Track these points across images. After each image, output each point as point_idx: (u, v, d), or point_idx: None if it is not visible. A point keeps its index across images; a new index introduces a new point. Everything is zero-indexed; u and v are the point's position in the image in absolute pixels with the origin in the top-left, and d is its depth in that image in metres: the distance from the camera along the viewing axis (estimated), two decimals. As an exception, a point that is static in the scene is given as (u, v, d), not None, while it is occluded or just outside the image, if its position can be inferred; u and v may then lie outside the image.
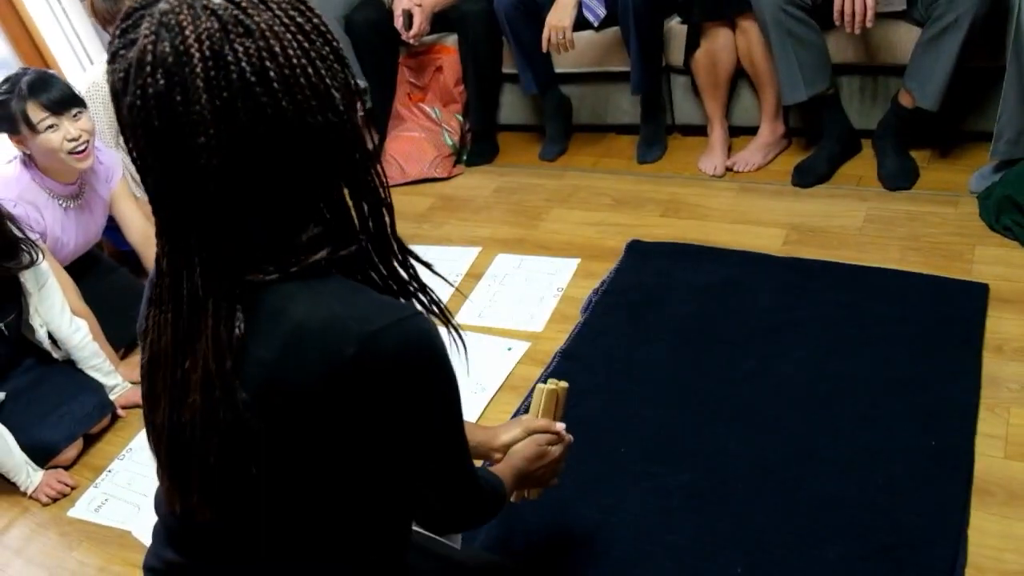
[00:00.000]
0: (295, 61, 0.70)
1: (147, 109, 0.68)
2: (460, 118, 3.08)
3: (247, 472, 0.76)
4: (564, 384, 1.27)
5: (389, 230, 0.82)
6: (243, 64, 0.67)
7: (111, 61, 0.71)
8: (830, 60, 2.36)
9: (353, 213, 0.79)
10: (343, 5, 3.04)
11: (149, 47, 0.67)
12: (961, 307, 1.83)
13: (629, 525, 1.51)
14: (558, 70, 2.87)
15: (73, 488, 1.94)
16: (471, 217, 2.71)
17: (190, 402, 0.75)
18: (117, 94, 0.70)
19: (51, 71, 2.21)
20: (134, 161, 0.73)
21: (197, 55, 0.67)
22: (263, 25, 0.69)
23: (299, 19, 0.71)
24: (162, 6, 0.69)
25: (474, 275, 2.39)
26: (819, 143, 2.49)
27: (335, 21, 3.02)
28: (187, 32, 0.67)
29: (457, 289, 2.18)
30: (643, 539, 1.48)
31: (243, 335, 0.73)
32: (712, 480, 1.56)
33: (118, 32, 0.71)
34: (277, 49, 0.69)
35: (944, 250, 2.04)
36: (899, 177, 2.32)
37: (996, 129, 2.12)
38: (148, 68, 0.67)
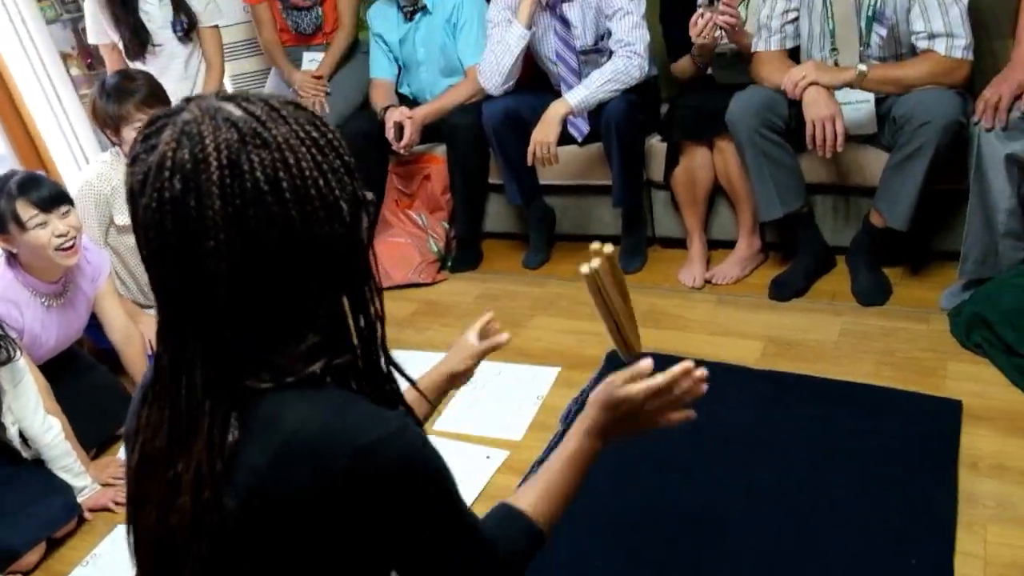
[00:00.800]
0: (307, 173, 0.73)
1: (162, 212, 0.71)
2: (446, 225, 3.15)
3: None
4: (608, 248, 1.09)
5: (380, 343, 0.84)
6: (257, 173, 0.71)
7: (131, 164, 0.74)
8: (804, 180, 2.46)
9: (351, 323, 0.81)
10: (338, 115, 3.15)
11: (169, 153, 0.71)
12: (936, 423, 1.85)
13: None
14: (543, 182, 2.96)
15: (32, 595, 1.87)
16: (454, 323, 2.74)
17: (180, 503, 0.74)
18: (134, 195, 0.73)
19: (39, 172, 2.26)
20: (144, 260, 0.75)
21: (215, 163, 0.70)
22: (279, 138, 0.72)
23: (314, 133, 0.75)
24: (185, 116, 0.73)
25: (455, 381, 2.38)
26: (795, 258, 2.56)
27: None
28: (207, 141, 0.70)
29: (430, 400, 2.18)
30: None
31: (236, 440, 0.74)
32: (690, 596, 1.54)
33: (141, 138, 0.74)
34: (291, 161, 0.72)
35: (917, 365, 2.07)
36: (872, 293, 2.38)
37: (963, 250, 2.19)
38: (167, 173, 0.70)
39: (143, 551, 0.81)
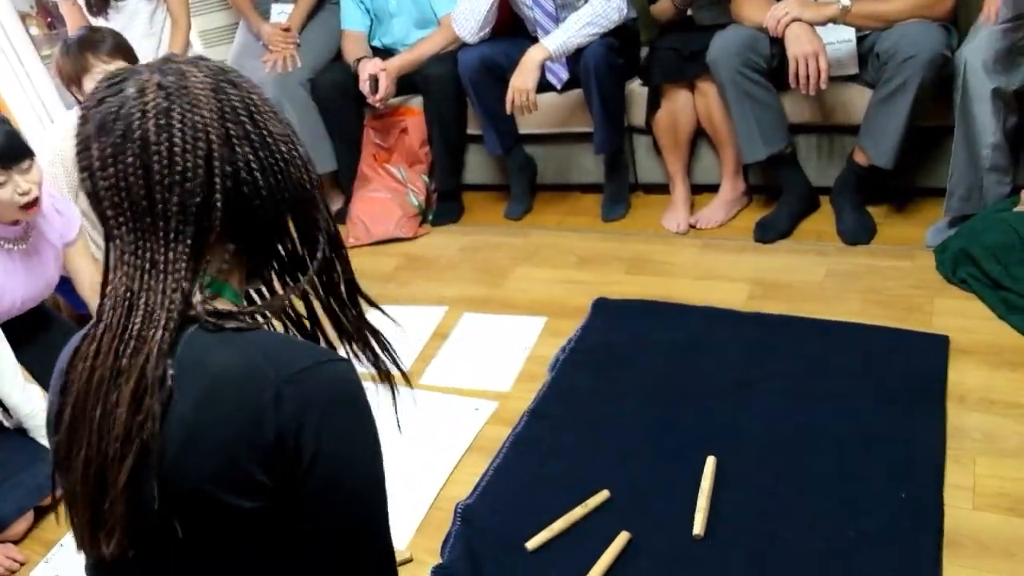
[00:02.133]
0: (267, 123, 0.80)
1: (127, 145, 0.75)
2: (425, 178, 3.10)
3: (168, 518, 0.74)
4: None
5: (339, 270, 0.87)
6: (226, 109, 0.77)
7: (95, 106, 0.76)
8: (787, 120, 2.43)
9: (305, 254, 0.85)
10: (310, 69, 3.07)
11: (136, 95, 0.75)
12: (923, 359, 1.85)
13: (601, 588, 1.48)
14: (522, 131, 2.91)
15: (23, 564, 1.86)
16: (437, 276, 2.71)
17: (115, 435, 0.72)
18: (96, 135, 0.75)
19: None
20: (99, 190, 0.76)
21: (191, 103, 0.76)
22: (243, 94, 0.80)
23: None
24: (145, 75, 0.76)
25: (440, 335, 2.37)
26: (779, 200, 2.54)
27: (302, 88, 3.04)
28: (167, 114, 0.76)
29: (402, 370, 2.17)
30: (615, 602, 1.45)
31: (173, 382, 0.72)
32: (682, 537, 1.54)
33: (102, 86, 0.76)
34: (259, 101, 0.80)
35: (904, 303, 2.07)
36: (857, 232, 2.37)
37: (948, 187, 2.18)
38: (137, 109, 0.75)
39: (81, 484, 0.76)
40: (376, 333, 0.92)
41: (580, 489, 1.69)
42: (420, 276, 2.74)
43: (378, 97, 2.87)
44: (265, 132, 0.79)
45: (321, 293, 0.87)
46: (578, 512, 1.64)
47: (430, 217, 3.09)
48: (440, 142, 2.99)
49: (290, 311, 0.89)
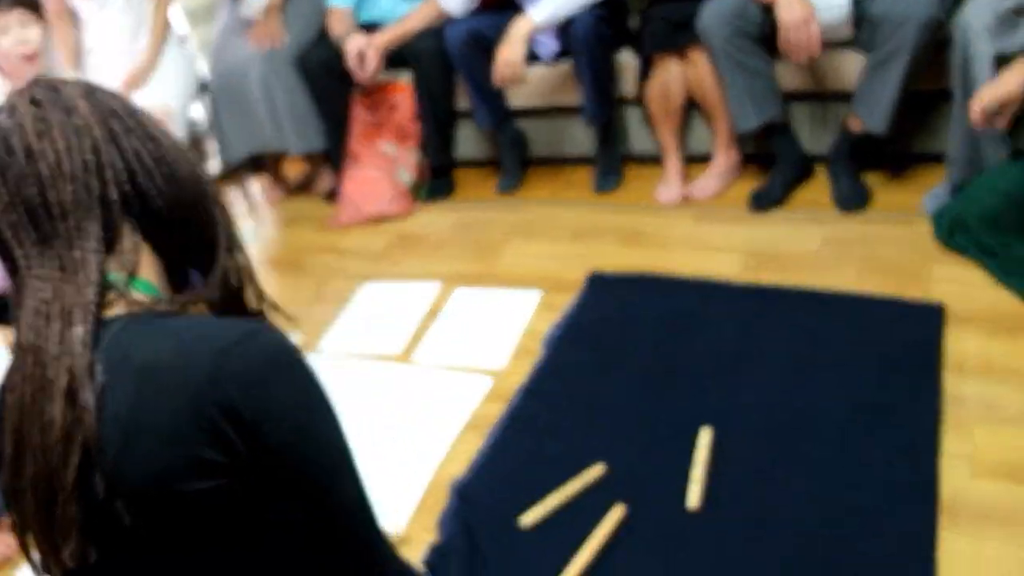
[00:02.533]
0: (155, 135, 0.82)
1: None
2: (416, 155, 3.06)
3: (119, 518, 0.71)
4: None
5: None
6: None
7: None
8: (779, 88, 2.39)
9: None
10: (296, 46, 3.02)
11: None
12: (920, 327, 1.84)
13: (595, 564, 1.47)
14: (513, 105, 2.87)
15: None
16: (429, 254, 2.69)
17: (55, 439, 0.70)
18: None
19: None
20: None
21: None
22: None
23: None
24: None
25: (434, 312, 2.35)
26: (773, 169, 2.51)
27: (290, 65, 3.00)
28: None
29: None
30: (613, 578, 1.44)
31: (103, 379, 0.70)
32: (677, 511, 1.53)
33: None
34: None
35: (900, 270, 2.05)
36: (853, 200, 2.34)
37: (947, 153, 2.15)
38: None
39: (31, 499, 0.73)
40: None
41: (576, 464, 1.68)
42: (412, 253, 2.71)
43: (366, 73, 2.83)
44: (148, 128, 0.81)
45: (226, 291, 0.86)
46: (574, 487, 1.63)
47: (421, 194, 3.05)
48: (430, 117, 2.95)
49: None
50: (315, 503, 0.77)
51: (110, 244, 0.77)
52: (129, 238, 0.79)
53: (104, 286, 0.75)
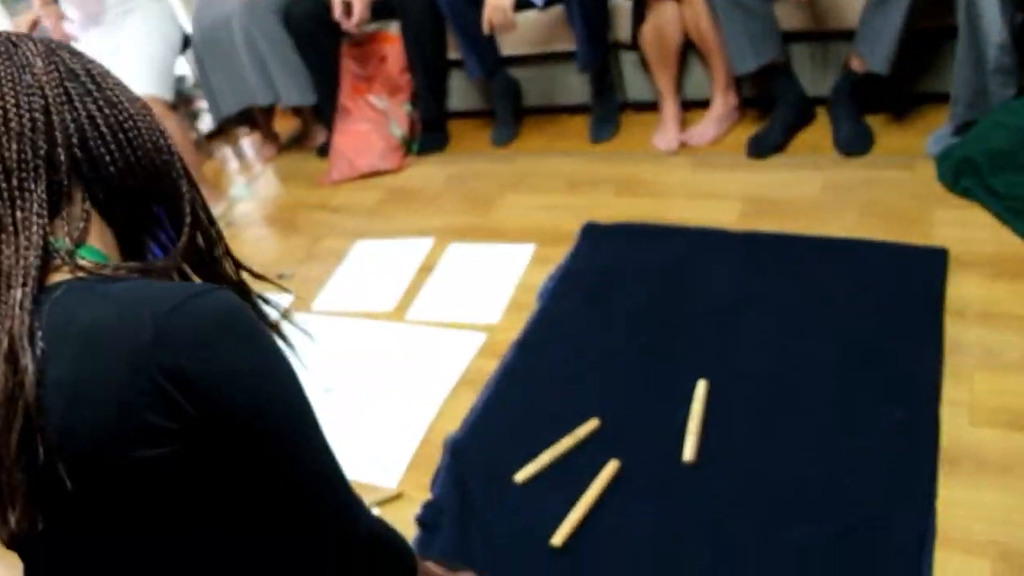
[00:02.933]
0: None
1: None
2: (408, 108, 3.00)
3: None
4: None
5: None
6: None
7: None
8: (778, 28, 2.32)
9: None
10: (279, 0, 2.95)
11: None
12: (921, 273, 1.79)
13: (590, 519, 1.45)
14: (504, 53, 2.80)
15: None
16: (422, 208, 2.64)
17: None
18: None
19: None
20: None
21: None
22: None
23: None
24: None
25: (427, 267, 2.32)
26: (773, 113, 2.44)
27: (273, 16, 2.92)
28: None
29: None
30: (605, 532, 1.42)
31: (44, 344, 0.67)
32: (672, 464, 1.51)
33: None
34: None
35: (902, 215, 2.00)
36: (854, 143, 2.28)
37: (952, 93, 2.08)
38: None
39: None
40: (249, 294, 0.87)
41: (570, 419, 1.66)
42: (405, 208, 2.67)
43: (353, 22, 2.75)
44: (110, 93, 0.78)
45: (199, 264, 0.84)
46: (568, 442, 1.61)
47: (414, 148, 3.00)
48: (420, 69, 2.89)
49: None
50: (276, 471, 0.74)
51: (56, 208, 0.74)
52: (79, 205, 0.76)
53: (47, 251, 0.72)
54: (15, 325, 0.67)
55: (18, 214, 0.71)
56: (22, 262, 0.70)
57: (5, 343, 0.67)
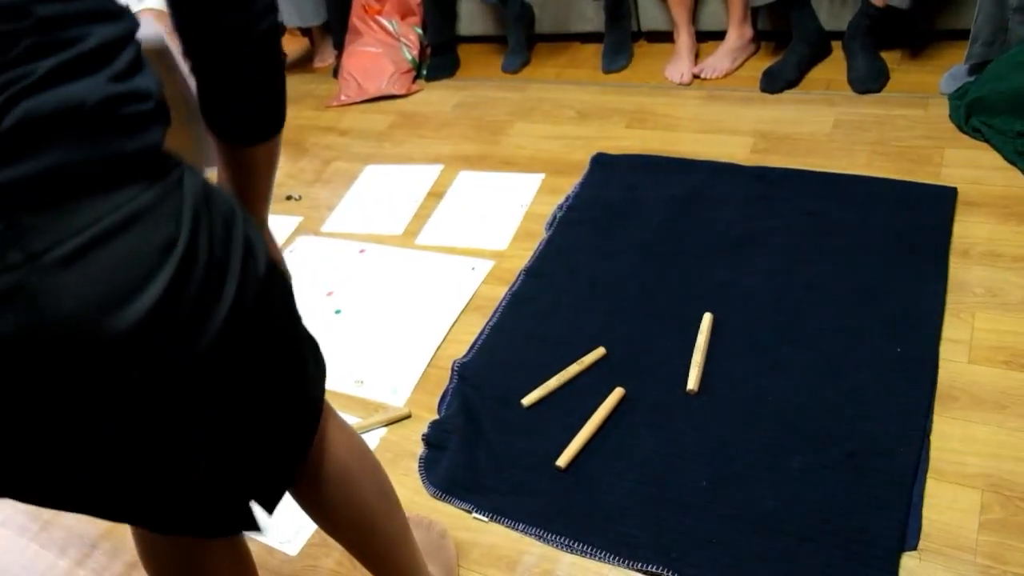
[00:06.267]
0: None
1: None
2: (419, 31, 2.96)
3: None
4: None
5: None
6: None
7: None
8: (799, -42, 2.27)
9: None
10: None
11: None
12: (929, 212, 1.81)
13: (596, 444, 1.50)
14: (518, -24, 2.75)
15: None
16: (432, 134, 2.63)
17: None
18: None
19: None
20: None
21: None
22: None
23: None
24: None
25: (436, 194, 2.32)
26: (788, 46, 2.41)
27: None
28: None
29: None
30: (608, 456, 1.47)
31: None
32: (676, 393, 1.55)
33: None
34: None
35: (913, 154, 2.00)
36: (868, 80, 2.26)
37: (972, 31, 2.05)
38: None
39: None
40: None
41: (576, 347, 1.69)
42: (414, 134, 2.66)
43: (364, -59, 2.70)
44: None
45: None
46: (574, 369, 1.64)
47: (424, 72, 2.97)
48: (431, -10, 2.84)
49: None
50: None
51: None
52: None
53: None
54: None
55: None
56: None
57: None
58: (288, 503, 1.50)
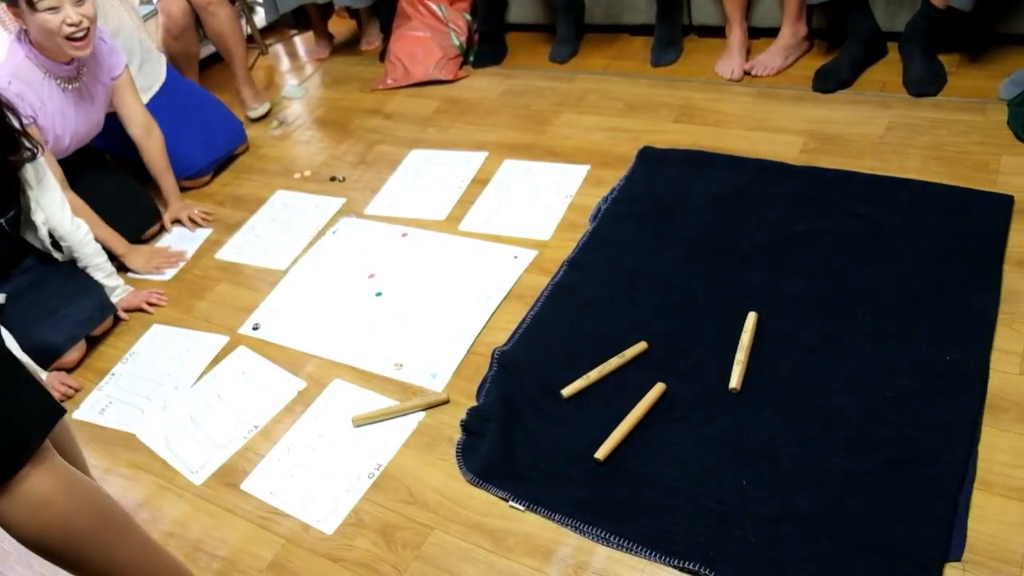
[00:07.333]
0: None
1: None
2: (468, 17, 2.95)
3: None
4: None
5: None
6: None
7: None
8: (859, -44, 2.23)
9: None
10: None
11: None
12: (983, 219, 1.77)
13: (635, 438, 1.49)
14: (571, -35, 2.73)
15: (77, 390, 1.94)
16: (478, 121, 2.63)
17: None
18: None
19: None
20: None
21: None
22: None
23: None
24: None
25: (480, 180, 2.32)
26: (843, 46, 2.38)
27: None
28: None
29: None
30: (647, 450, 1.46)
31: None
32: (718, 390, 1.54)
33: None
34: None
35: (968, 160, 1.96)
36: (925, 83, 2.22)
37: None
38: None
39: None
40: None
41: (617, 340, 1.69)
42: (460, 120, 2.66)
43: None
44: None
45: None
46: (615, 362, 1.64)
47: (471, 58, 2.96)
48: (483, -24, 2.83)
49: None
50: None
51: None
52: None
53: None
54: None
55: None
56: None
57: None
58: (328, 482, 1.51)
